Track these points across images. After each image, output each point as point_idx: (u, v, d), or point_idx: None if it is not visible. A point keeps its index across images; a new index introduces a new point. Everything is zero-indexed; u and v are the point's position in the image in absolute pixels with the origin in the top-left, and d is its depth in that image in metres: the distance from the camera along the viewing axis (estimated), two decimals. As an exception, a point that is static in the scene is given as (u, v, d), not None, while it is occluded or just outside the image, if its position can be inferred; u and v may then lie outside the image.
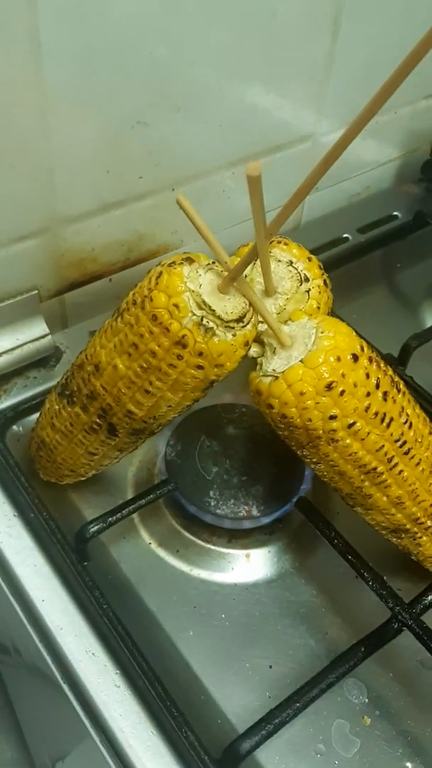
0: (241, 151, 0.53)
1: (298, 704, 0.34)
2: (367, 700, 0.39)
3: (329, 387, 0.33)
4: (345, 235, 0.63)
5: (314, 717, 0.38)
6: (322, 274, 0.38)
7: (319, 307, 0.37)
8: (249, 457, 0.45)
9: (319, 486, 0.47)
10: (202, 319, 0.32)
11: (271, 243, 0.38)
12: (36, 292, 0.47)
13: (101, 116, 0.43)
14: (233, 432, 0.47)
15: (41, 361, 0.49)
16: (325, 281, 0.38)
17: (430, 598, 0.39)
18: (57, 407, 0.40)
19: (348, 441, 0.35)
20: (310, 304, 0.37)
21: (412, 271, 0.64)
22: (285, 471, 0.45)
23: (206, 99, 0.48)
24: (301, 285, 0.37)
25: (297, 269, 0.37)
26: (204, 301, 0.32)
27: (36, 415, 0.45)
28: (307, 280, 0.37)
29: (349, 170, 0.64)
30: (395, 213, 0.66)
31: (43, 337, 0.47)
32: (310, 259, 0.38)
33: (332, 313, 0.50)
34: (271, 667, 0.40)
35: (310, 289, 0.37)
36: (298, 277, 0.37)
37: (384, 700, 0.39)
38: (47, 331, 0.48)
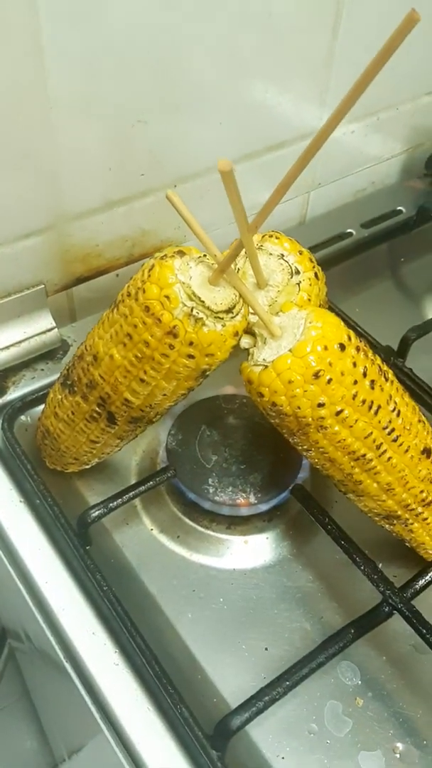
0: (242, 149, 0.54)
1: (288, 683, 0.35)
2: (360, 682, 0.40)
3: (316, 375, 0.34)
4: (349, 230, 0.64)
5: (307, 697, 0.39)
6: (314, 267, 0.39)
7: (310, 299, 0.38)
8: (248, 446, 0.47)
9: (317, 475, 0.48)
10: (192, 310, 0.33)
11: (263, 237, 0.39)
12: (42, 286, 0.48)
13: (103, 116, 0.45)
14: (233, 422, 0.48)
15: (49, 353, 0.51)
16: (316, 274, 0.39)
17: (420, 582, 0.40)
18: (60, 397, 0.41)
19: (336, 428, 0.36)
20: (301, 297, 0.38)
21: (416, 266, 0.65)
22: (283, 460, 0.46)
23: (206, 97, 0.49)
24: (291, 277, 0.38)
25: (288, 262, 0.38)
26: (194, 293, 0.33)
27: (43, 406, 0.47)
28: (297, 272, 0.38)
29: (353, 165, 0.65)
30: (399, 208, 0.67)
31: (49, 330, 0.49)
32: (301, 252, 0.39)
33: (334, 306, 0.51)
34: (266, 649, 0.41)
35: (300, 282, 0.38)
36: (289, 270, 0.38)
37: (377, 683, 0.40)
38: (54, 324, 0.49)
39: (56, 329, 0.49)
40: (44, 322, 0.49)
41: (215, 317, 0.33)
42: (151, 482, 0.43)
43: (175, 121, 0.48)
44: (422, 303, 0.63)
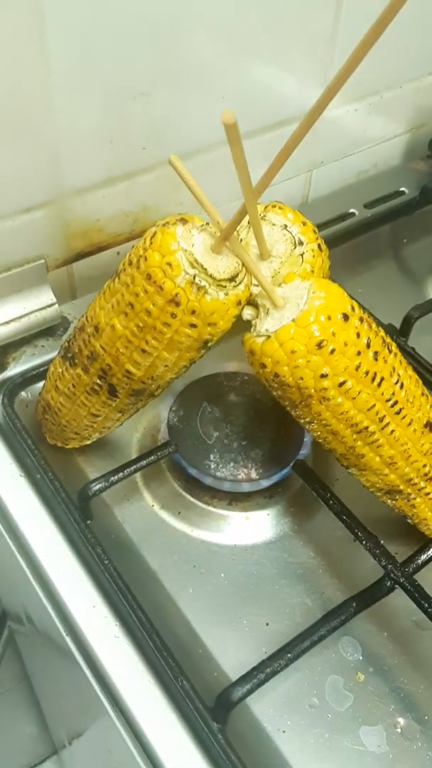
0: (245, 126, 0.53)
1: (290, 655, 0.35)
2: (361, 657, 0.40)
3: (320, 345, 0.34)
4: (352, 211, 0.63)
5: (308, 672, 0.39)
6: (317, 239, 0.39)
7: (313, 271, 0.38)
8: (249, 423, 0.46)
9: (319, 452, 0.48)
10: (194, 278, 0.33)
11: (266, 207, 0.38)
12: (43, 261, 0.48)
13: (104, 87, 0.44)
14: (235, 399, 0.48)
15: (49, 330, 0.50)
16: (319, 245, 0.39)
17: (423, 557, 0.40)
18: (60, 370, 0.41)
19: (339, 400, 0.35)
20: (304, 268, 0.37)
21: (418, 246, 0.65)
22: (284, 437, 0.46)
23: (208, 72, 0.49)
24: (295, 248, 0.38)
25: (291, 233, 0.38)
26: (196, 260, 0.33)
27: (43, 382, 0.46)
28: (301, 243, 0.38)
29: (356, 145, 0.65)
30: (402, 189, 0.66)
31: (50, 306, 0.49)
32: (304, 224, 0.39)
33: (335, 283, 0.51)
34: (267, 624, 0.41)
35: (304, 253, 0.38)
36: (293, 241, 0.38)
37: (378, 658, 0.40)
38: (54, 300, 0.49)
39: (57, 305, 0.49)
40: (45, 297, 0.49)
41: (218, 285, 0.33)
42: (152, 456, 0.43)
43: (177, 94, 0.48)
44: (424, 284, 0.63)
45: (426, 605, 0.38)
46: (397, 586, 0.39)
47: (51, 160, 0.46)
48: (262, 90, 0.52)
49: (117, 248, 0.53)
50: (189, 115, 0.49)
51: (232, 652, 0.39)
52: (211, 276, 0.33)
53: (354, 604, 0.37)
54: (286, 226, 0.38)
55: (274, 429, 0.46)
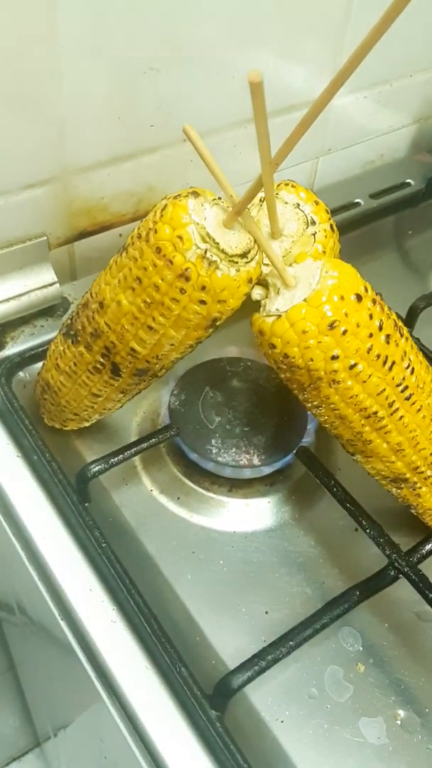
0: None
1: (291, 642, 0.34)
2: (361, 648, 0.39)
3: (332, 326, 0.33)
4: (357, 200, 0.63)
5: (308, 662, 0.38)
6: (329, 219, 0.38)
7: (324, 252, 0.37)
8: (252, 408, 0.46)
9: (322, 441, 0.47)
10: (205, 253, 0.32)
11: (278, 185, 0.38)
12: (45, 238, 0.47)
13: (113, 62, 0.43)
14: (237, 384, 0.47)
15: (49, 310, 0.49)
16: (331, 226, 0.38)
17: (428, 547, 0.39)
18: (61, 348, 0.40)
19: (349, 383, 0.35)
20: (316, 248, 0.37)
21: (423, 238, 0.64)
22: (287, 423, 0.45)
23: (219, 52, 0.48)
24: (307, 228, 0.37)
25: (304, 212, 0.37)
26: (208, 234, 0.32)
27: (42, 363, 0.45)
28: (313, 223, 0.37)
29: (363, 134, 0.64)
30: (408, 180, 0.66)
31: (51, 285, 0.48)
32: (317, 203, 0.38)
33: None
34: (267, 612, 0.40)
35: (316, 233, 0.37)
36: (305, 220, 0.37)
37: (378, 649, 0.39)
38: (55, 279, 0.48)
39: (58, 284, 0.48)
40: (46, 275, 0.48)
41: (229, 261, 0.32)
42: (153, 439, 0.42)
43: (187, 73, 0.47)
44: (428, 276, 0.62)
45: (430, 595, 0.37)
46: (400, 575, 0.38)
47: (57, 135, 0.45)
48: (272, 73, 0.52)
49: (120, 229, 0.52)
50: (199, 95, 0.48)
51: (230, 640, 0.39)
52: (222, 251, 0.32)
53: (357, 593, 0.37)
54: (298, 205, 0.37)
55: (276, 415, 0.45)
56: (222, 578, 0.41)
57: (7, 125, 0.42)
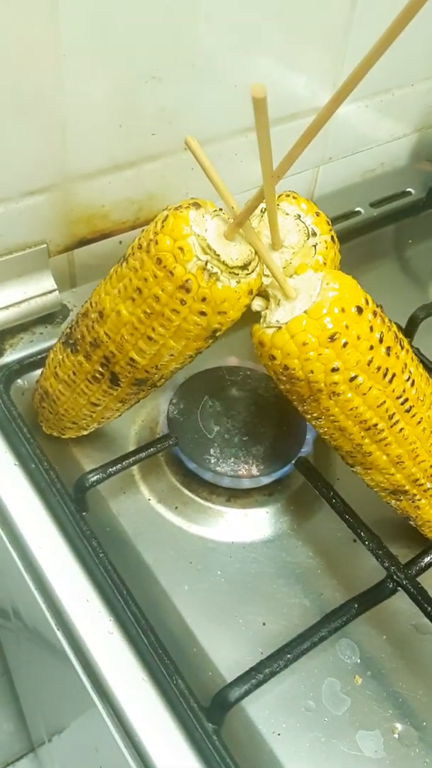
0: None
1: (289, 656, 0.34)
2: (359, 660, 0.39)
3: (332, 338, 0.33)
4: (357, 209, 0.63)
5: (305, 674, 0.38)
6: (330, 230, 0.38)
7: (325, 263, 0.37)
8: (251, 418, 0.45)
9: (321, 451, 0.47)
10: (206, 264, 0.32)
11: (279, 196, 0.38)
12: (45, 246, 0.47)
13: (115, 69, 0.43)
14: (236, 394, 0.47)
15: (48, 317, 0.49)
16: (332, 237, 0.38)
17: (426, 559, 0.39)
18: (61, 357, 0.40)
19: (349, 395, 0.34)
20: (317, 260, 0.37)
21: (423, 247, 0.64)
22: (286, 433, 0.45)
23: (221, 60, 0.48)
24: (308, 239, 0.37)
25: (305, 223, 0.37)
26: (209, 246, 0.32)
27: (40, 370, 0.45)
28: (314, 234, 0.37)
29: (364, 142, 0.64)
30: (409, 189, 0.66)
31: (50, 292, 0.48)
32: (318, 215, 0.38)
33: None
34: (264, 624, 0.40)
35: (317, 244, 0.37)
36: (306, 231, 0.37)
37: (376, 662, 0.39)
38: (55, 286, 0.48)
39: (57, 291, 0.48)
40: (45, 283, 0.47)
41: (230, 272, 0.32)
42: (152, 449, 0.42)
43: (189, 81, 0.47)
44: (428, 286, 0.62)
45: (429, 608, 0.37)
46: (399, 588, 0.38)
47: (58, 142, 0.45)
48: (274, 83, 0.52)
49: (120, 237, 0.52)
50: (201, 103, 0.48)
51: (227, 652, 0.38)
52: (223, 262, 0.32)
53: (356, 605, 0.37)
54: (299, 216, 0.37)
55: (275, 425, 0.45)
56: (219, 589, 0.41)
57: (7, 132, 0.42)
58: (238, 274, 0.32)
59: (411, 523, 0.42)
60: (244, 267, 0.33)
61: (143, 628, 0.35)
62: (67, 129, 0.44)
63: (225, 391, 0.47)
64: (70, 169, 0.46)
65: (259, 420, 0.45)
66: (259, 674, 0.33)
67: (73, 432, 0.44)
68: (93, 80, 0.43)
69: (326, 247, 0.37)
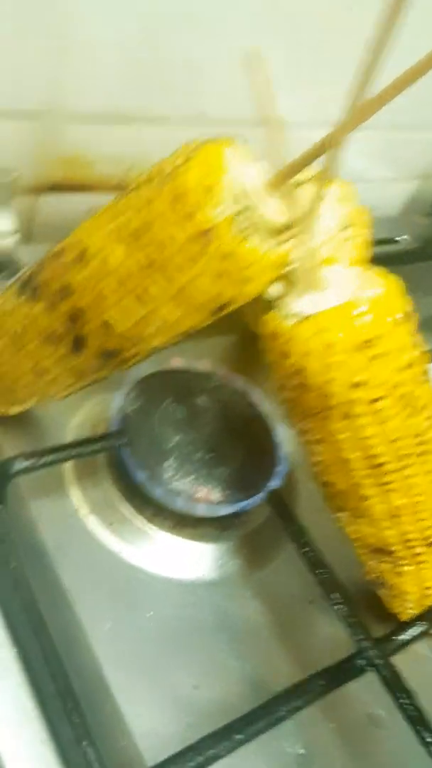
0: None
1: (240, 736, 0.26)
2: (303, 750, 0.32)
3: (366, 344, 0.26)
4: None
5: (239, 762, 0.30)
6: (366, 226, 0.32)
7: (361, 260, 0.31)
8: (218, 434, 0.38)
9: (290, 486, 0.40)
10: (238, 214, 0.25)
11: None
12: (14, 176, 0.38)
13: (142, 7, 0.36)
14: (204, 403, 0.39)
15: (-3, 264, 0.40)
16: (367, 235, 0.32)
17: (402, 637, 0.33)
18: (11, 305, 0.31)
19: (367, 420, 0.28)
20: (354, 253, 0.31)
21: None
22: (256, 460, 0.38)
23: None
24: (344, 230, 0.31)
25: (342, 211, 0.31)
26: (245, 192, 0.25)
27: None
28: (351, 226, 0.31)
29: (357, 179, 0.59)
30: (404, 237, 0.62)
31: (9, 235, 0.39)
32: (357, 207, 0.32)
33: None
34: (195, 687, 0.32)
35: (353, 237, 0.31)
36: (342, 221, 0.31)
37: (322, 757, 0.32)
38: (15, 226, 0.39)
39: (18, 234, 0.39)
40: (3, 221, 0.39)
41: (265, 232, 0.25)
42: (97, 444, 0.34)
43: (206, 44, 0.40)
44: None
45: (402, 698, 0.30)
46: (369, 668, 0.31)
47: (55, 67, 0.37)
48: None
49: (97, 197, 0.44)
50: (214, 77, 0.42)
51: (147, 716, 0.30)
52: (261, 217, 0.25)
53: (322, 682, 0.29)
54: (338, 202, 0.31)
55: (245, 448, 0.38)
56: (147, 635, 0.33)
57: (5, 42, 0.34)
58: (272, 238, 0.26)
59: (379, 591, 0.36)
60: (283, 231, 0.26)
61: (54, 672, 0.27)
62: (68, 55, 0.37)
63: (192, 398, 0.39)
64: (64, 101, 0.39)
65: (228, 438, 0.38)
66: (198, 756, 0.25)
67: (2, 406, 0.35)
68: (110, 9, 0.36)
69: (360, 243, 0.31)
